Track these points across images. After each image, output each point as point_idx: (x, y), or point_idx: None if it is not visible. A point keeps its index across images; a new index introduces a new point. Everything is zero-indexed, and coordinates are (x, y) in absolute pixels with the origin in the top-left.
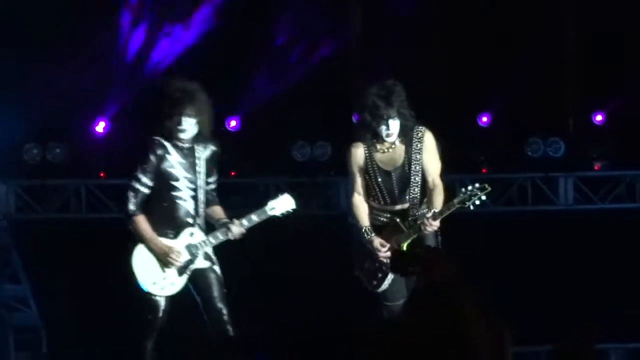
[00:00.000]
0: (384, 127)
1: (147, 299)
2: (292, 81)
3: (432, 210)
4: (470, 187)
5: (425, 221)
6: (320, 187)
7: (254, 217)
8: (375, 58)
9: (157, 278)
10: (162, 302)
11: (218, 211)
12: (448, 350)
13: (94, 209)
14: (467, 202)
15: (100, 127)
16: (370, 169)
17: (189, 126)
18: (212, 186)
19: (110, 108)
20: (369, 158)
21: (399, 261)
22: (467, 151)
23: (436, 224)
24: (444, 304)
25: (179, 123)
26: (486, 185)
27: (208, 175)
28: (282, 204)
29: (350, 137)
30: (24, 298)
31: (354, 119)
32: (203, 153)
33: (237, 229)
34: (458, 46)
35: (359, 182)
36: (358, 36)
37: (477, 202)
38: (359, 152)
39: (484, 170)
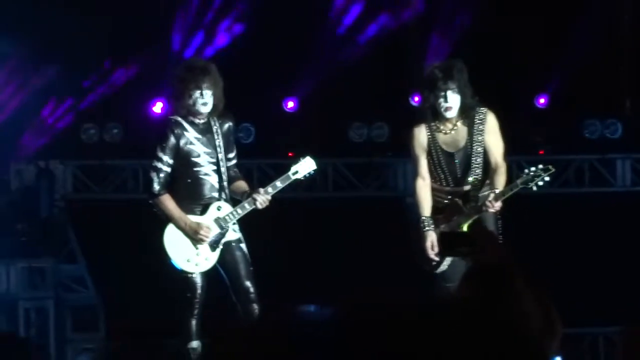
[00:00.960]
0: (442, 100)
1: (184, 277)
2: (349, 62)
3: (494, 191)
4: (534, 168)
5: (487, 202)
6: (377, 168)
7: (278, 183)
8: (433, 39)
9: (190, 255)
10: (199, 280)
11: (242, 185)
12: (499, 327)
13: None
14: (530, 183)
15: (157, 107)
16: (433, 151)
17: (209, 98)
18: (233, 162)
19: (167, 89)
20: (432, 139)
21: (447, 242)
22: (525, 133)
23: (498, 204)
24: (495, 282)
25: (201, 96)
26: (550, 167)
27: (227, 150)
28: (304, 167)
29: (407, 119)
30: (82, 278)
31: (412, 101)
32: (220, 127)
33: (263, 197)
34: (515, 29)
35: (423, 165)
36: (417, 17)
37: (541, 183)
38: (422, 134)
39: (541, 152)
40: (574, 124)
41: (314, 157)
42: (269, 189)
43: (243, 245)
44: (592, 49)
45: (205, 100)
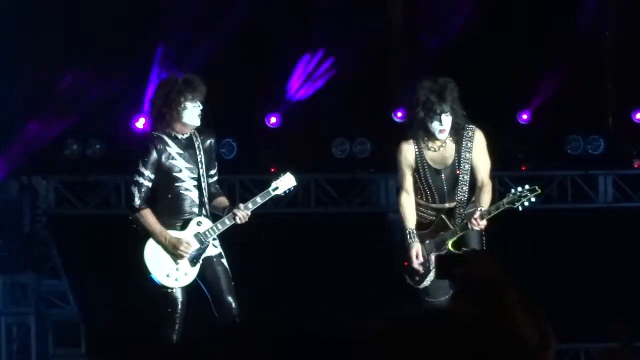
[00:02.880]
0: (437, 123)
1: (164, 292)
2: (331, 78)
3: (479, 210)
4: (520, 189)
5: (473, 220)
6: (359, 183)
7: (258, 199)
8: (415, 55)
9: (170, 270)
10: (179, 295)
11: (223, 201)
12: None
13: None
14: (516, 203)
15: (140, 123)
16: (420, 167)
17: (198, 111)
18: (215, 178)
19: (149, 103)
20: (420, 156)
21: (443, 266)
22: (507, 148)
23: (483, 223)
24: (489, 296)
25: (198, 108)
26: (536, 187)
27: (209, 167)
28: (284, 183)
29: (390, 134)
30: (63, 293)
31: (394, 116)
32: (202, 143)
33: (243, 212)
34: (497, 44)
35: (408, 179)
36: (398, 33)
37: (526, 204)
38: (409, 150)
39: (523, 168)
40: (556, 140)
41: (296, 172)
42: (249, 205)
43: (224, 261)
44: (575, 65)
45: (199, 112)
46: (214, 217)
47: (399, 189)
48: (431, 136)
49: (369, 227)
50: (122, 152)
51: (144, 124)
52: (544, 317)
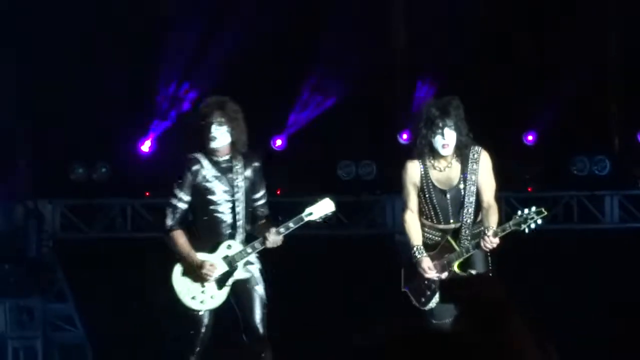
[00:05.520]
0: (439, 137)
1: (190, 314)
2: (337, 101)
3: (490, 228)
4: (527, 211)
5: (486, 238)
6: (365, 206)
7: (291, 224)
8: (420, 77)
9: (195, 292)
10: (204, 318)
11: (264, 225)
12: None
13: (139, 228)
14: (522, 225)
15: (145, 146)
16: (425, 188)
17: (219, 134)
18: (261, 202)
19: (156, 128)
20: (425, 176)
21: (447, 290)
22: (513, 169)
23: (496, 241)
24: (493, 320)
25: (209, 131)
26: (543, 210)
27: (254, 191)
28: (320, 208)
29: (395, 156)
30: (70, 317)
31: (399, 138)
32: (243, 167)
33: (274, 237)
34: (502, 65)
35: (413, 199)
36: (403, 53)
37: (533, 226)
38: (415, 170)
39: (529, 189)
40: (562, 161)
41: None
42: (281, 229)
43: (258, 286)
44: (580, 86)
45: (214, 134)
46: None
47: (403, 208)
48: (436, 154)
49: (375, 250)
50: (128, 176)
51: (149, 147)
52: (549, 340)
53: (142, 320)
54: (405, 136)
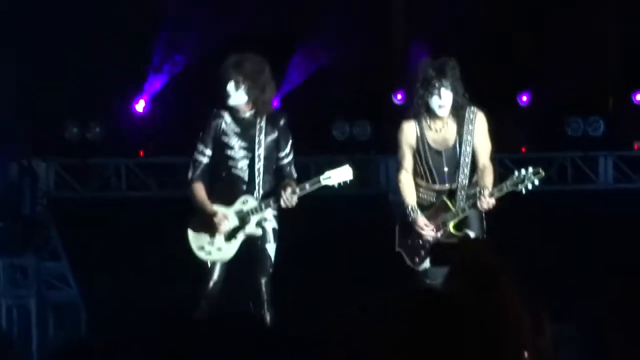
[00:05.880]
0: (436, 97)
1: (202, 267)
2: (331, 60)
3: (486, 188)
4: (524, 171)
5: (482, 198)
6: (359, 166)
7: (307, 186)
8: (416, 35)
9: (204, 242)
10: (213, 271)
11: (286, 184)
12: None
13: (133, 187)
14: (519, 185)
15: (139, 106)
16: (421, 148)
17: (234, 92)
18: (285, 160)
19: (150, 87)
20: (421, 136)
21: (438, 254)
22: (507, 130)
23: (492, 201)
24: (482, 282)
25: (224, 89)
26: (540, 170)
27: (278, 149)
28: (339, 174)
29: (389, 116)
30: (64, 276)
31: (394, 99)
32: (267, 124)
33: (289, 196)
34: (497, 27)
35: (408, 159)
36: (400, 14)
37: (530, 187)
38: (410, 130)
39: (523, 149)
40: (556, 122)
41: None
42: (297, 190)
43: (269, 245)
44: (575, 47)
45: (228, 92)
46: None
47: (398, 168)
48: (432, 114)
49: (369, 209)
50: (122, 135)
51: (143, 107)
52: (540, 303)
53: (136, 279)
54: (399, 96)
